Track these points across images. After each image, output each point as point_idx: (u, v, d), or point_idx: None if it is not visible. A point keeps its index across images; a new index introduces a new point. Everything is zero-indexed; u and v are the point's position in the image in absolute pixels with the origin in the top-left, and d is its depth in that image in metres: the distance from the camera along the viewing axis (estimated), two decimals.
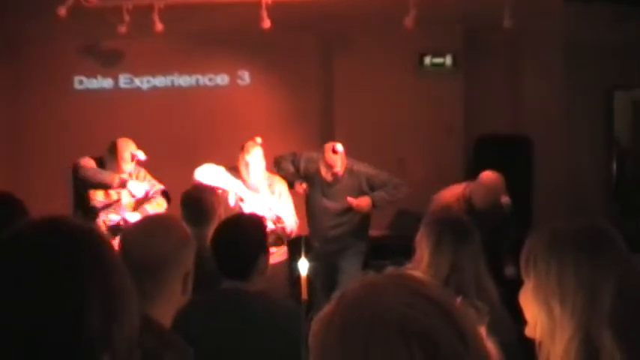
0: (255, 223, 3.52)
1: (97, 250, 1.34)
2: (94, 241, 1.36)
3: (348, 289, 1.15)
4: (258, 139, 5.91)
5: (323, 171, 6.10)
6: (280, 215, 5.75)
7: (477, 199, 5.92)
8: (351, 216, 6.24)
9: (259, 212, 5.53)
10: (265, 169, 5.95)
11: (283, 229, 5.81)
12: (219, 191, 5.51)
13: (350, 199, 6.05)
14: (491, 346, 1.17)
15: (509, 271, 5.90)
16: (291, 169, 6.28)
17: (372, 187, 6.20)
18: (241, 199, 5.71)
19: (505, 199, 5.96)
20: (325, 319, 1.13)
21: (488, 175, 5.94)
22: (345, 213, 6.21)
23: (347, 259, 6.27)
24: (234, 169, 5.83)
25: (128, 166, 5.90)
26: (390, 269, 1.20)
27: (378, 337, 1.06)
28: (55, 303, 1.26)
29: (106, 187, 5.86)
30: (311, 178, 6.20)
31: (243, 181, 5.80)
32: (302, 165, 6.27)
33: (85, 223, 1.41)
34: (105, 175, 5.85)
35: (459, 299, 1.19)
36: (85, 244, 1.34)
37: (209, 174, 5.70)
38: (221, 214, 4.43)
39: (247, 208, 5.65)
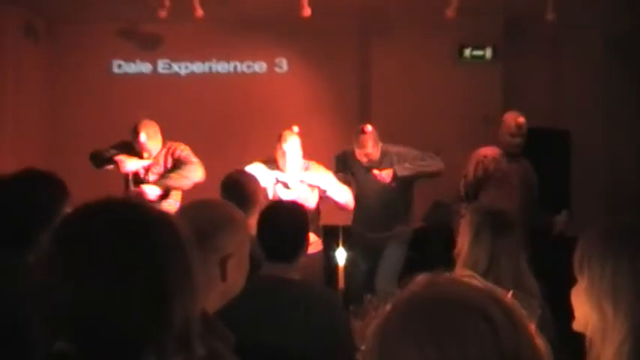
0: (299, 207, 3.57)
1: (172, 232, 1.34)
2: (169, 223, 1.36)
3: (404, 289, 1.19)
4: (295, 128, 5.89)
5: (357, 154, 6.06)
6: (327, 189, 5.72)
7: (504, 136, 6.03)
8: (392, 201, 6.13)
9: (304, 195, 5.58)
10: (302, 158, 5.93)
11: (337, 204, 5.81)
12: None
13: (374, 170, 5.95)
14: (541, 341, 1.19)
15: (560, 224, 5.82)
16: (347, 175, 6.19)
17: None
18: (286, 185, 5.70)
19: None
20: (384, 317, 1.15)
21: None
22: (386, 197, 6.09)
23: (390, 247, 6.22)
24: (271, 160, 5.81)
25: (147, 146, 5.93)
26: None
27: (443, 315, 1.11)
28: (134, 285, 1.26)
29: (102, 160, 6.03)
30: (352, 166, 6.14)
31: (280, 170, 5.78)
32: (348, 158, 6.24)
33: (155, 206, 1.42)
34: (101, 149, 6.08)
35: (509, 293, 1.21)
36: (159, 225, 1.34)
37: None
38: (262, 202, 4.41)
39: (291, 194, 5.67)
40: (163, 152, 6.01)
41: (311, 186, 5.72)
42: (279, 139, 5.75)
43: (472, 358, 1.07)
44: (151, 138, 5.91)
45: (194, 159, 5.95)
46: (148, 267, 1.28)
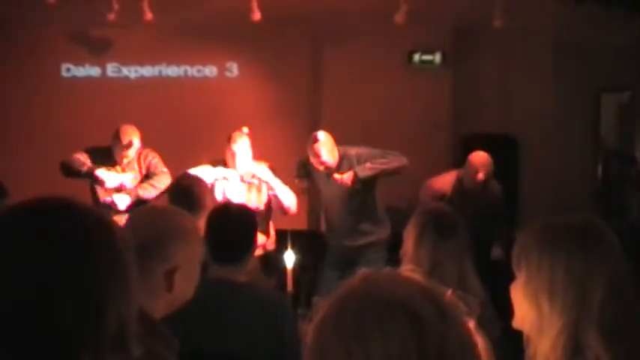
0: (248, 210, 3.60)
1: (106, 234, 1.33)
2: (104, 224, 1.35)
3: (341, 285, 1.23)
4: (245, 129, 5.91)
5: (313, 162, 5.86)
6: (276, 194, 5.71)
7: (466, 178, 5.99)
8: (358, 205, 5.94)
9: (251, 199, 5.61)
10: (251, 159, 5.93)
11: (281, 206, 5.78)
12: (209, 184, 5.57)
13: (335, 175, 5.77)
14: (479, 338, 1.22)
15: (495, 252, 5.91)
16: (305, 181, 6.07)
17: None
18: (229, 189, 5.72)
19: (495, 183, 6.14)
20: (321, 314, 1.19)
21: (477, 154, 6.04)
22: (351, 202, 5.91)
23: (367, 256, 5.93)
24: (219, 162, 5.82)
25: (128, 152, 5.86)
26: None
27: (368, 312, 1.14)
28: (61, 284, 1.25)
29: (75, 172, 5.82)
30: (313, 173, 5.98)
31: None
32: (309, 165, 6.01)
33: (92, 207, 1.40)
34: (77, 159, 5.85)
35: (449, 291, 1.24)
36: (93, 226, 1.32)
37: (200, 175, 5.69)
38: (209, 205, 4.40)
39: (237, 197, 5.67)
40: (137, 159, 6.00)
41: (260, 180, 5.72)
42: (229, 140, 5.76)
43: (393, 354, 1.10)
44: (137, 144, 5.89)
45: (164, 168, 5.95)
46: (79, 268, 1.27)
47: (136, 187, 5.85)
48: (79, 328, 1.25)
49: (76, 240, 1.29)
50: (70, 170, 5.85)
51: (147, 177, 5.94)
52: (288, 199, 5.78)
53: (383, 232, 6.10)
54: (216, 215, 3.42)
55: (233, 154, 5.72)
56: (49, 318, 1.23)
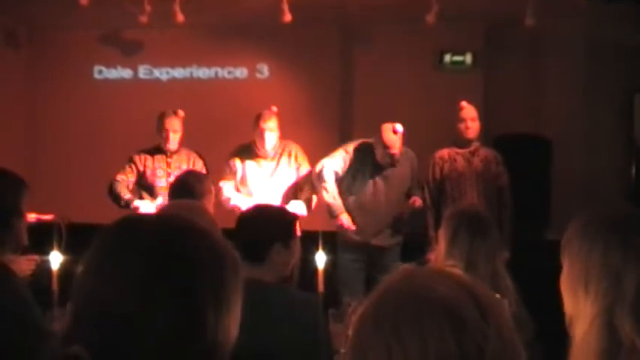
0: (279, 210, 3.63)
1: (214, 247, 1.36)
2: (211, 238, 1.37)
3: (382, 280, 1.22)
4: (274, 108, 6.03)
5: (379, 154, 5.86)
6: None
7: (455, 124, 6.35)
8: (397, 207, 6.03)
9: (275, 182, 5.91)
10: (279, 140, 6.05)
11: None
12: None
13: (415, 197, 5.90)
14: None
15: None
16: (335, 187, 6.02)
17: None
18: None
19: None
20: (362, 310, 1.18)
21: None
22: (397, 202, 6.02)
23: (389, 257, 6.01)
24: (247, 148, 6.03)
25: (173, 136, 6.07)
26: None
27: (407, 310, 1.12)
28: (171, 299, 1.26)
29: (117, 202, 5.91)
30: (362, 164, 5.97)
31: (258, 150, 5.94)
32: (347, 161, 6.02)
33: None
34: (117, 190, 5.93)
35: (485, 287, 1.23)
36: (203, 240, 1.35)
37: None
38: (211, 203, 4.41)
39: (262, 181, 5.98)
40: (184, 158, 6.11)
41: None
42: (258, 118, 5.85)
43: (431, 352, 1.08)
44: (178, 130, 6.10)
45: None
46: (182, 291, 1.28)
47: None
48: (177, 344, 1.26)
49: (179, 252, 1.31)
50: (114, 199, 5.93)
51: None
52: (300, 210, 5.83)
53: (401, 233, 6.16)
54: (245, 215, 3.42)
55: (262, 131, 5.84)
56: (153, 335, 1.25)
